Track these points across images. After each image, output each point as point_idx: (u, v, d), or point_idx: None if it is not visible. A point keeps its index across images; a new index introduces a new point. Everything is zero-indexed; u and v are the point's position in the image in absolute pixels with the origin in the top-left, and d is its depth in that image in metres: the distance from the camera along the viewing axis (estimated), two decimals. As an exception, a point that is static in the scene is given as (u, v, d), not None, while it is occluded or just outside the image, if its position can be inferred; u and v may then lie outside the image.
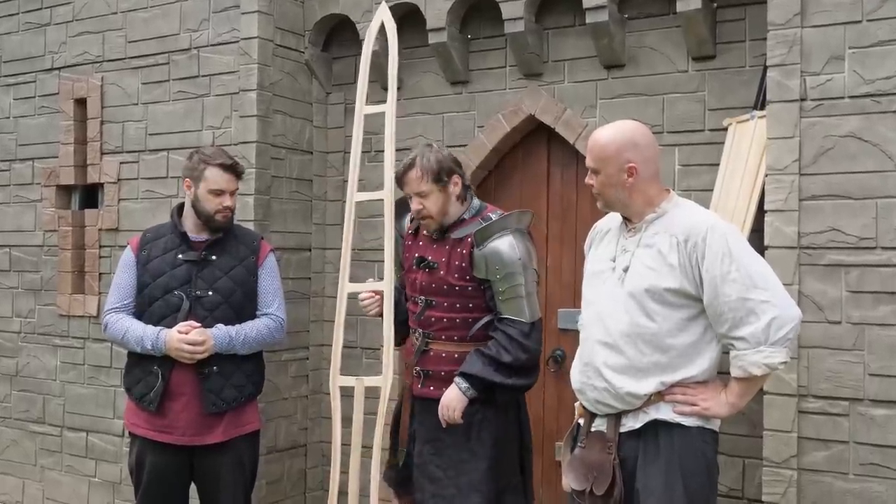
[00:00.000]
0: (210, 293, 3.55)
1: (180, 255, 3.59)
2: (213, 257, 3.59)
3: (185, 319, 3.50)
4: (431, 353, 3.33)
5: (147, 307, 3.59)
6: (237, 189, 3.67)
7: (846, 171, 3.20)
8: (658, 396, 2.68)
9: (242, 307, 3.61)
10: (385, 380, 3.28)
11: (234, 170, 3.62)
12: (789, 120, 3.29)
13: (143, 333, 3.50)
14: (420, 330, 3.36)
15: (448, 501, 3.25)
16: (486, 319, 3.28)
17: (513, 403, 3.38)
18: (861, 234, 3.17)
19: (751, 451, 3.62)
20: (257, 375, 3.71)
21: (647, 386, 2.67)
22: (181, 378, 3.51)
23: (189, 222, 3.65)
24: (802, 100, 3.28)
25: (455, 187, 3.34)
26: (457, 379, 3.20)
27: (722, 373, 2.75)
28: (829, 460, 3.19)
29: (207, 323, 3.51)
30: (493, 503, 3.24)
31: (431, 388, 3.31)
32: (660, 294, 2.66)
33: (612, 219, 2.95)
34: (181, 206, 3.71)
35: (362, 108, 3.51)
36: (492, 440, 3.27)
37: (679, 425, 2.67)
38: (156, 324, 3.53)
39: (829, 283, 3.21)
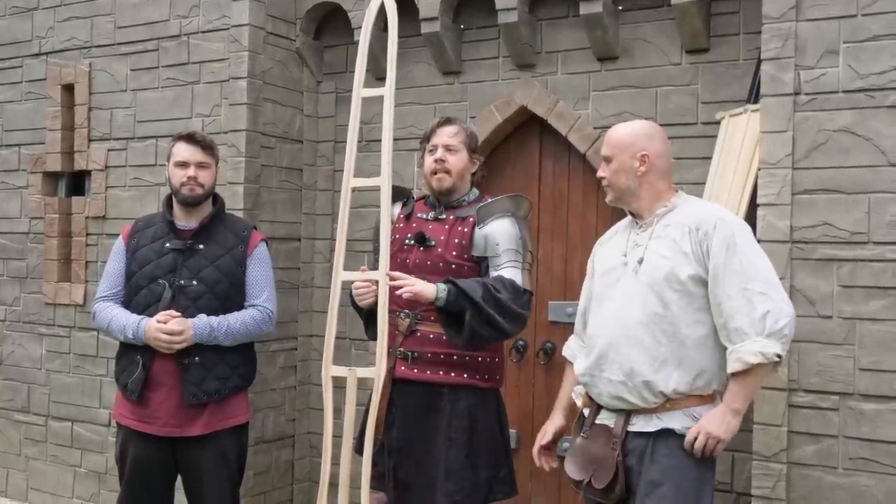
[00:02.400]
0: (194, 282, 3.52)
1: (167, 244, 3.56)
2: (200, 246, 3.56)
3: (167, 308, 3.46)
4: (419, 335, 3.30)
5: (133, 296, 3.56)
6: (206, 163, 3.59)
7: (839, 166, 3.20)
8: (672, 403, 2.70)
9: (228, 297, 3.57)
10: (378, 371, 3.24)
11: (194, 139, 3.59)
12: (783, 114, 3.28)
13: (126, 322, 3.48)
14: (407, 311, 3.32)
15: (425, 488, 3.23)
16: None
17: (492, 394, 3.37)
18: (853, 229, 3.17)
19: (740, 445, 3.61)
20: (245, 367, 3.66)
21: (664, 380, 2.68)
22: (162, 368, 3.47)
23: (177, 210, 3.62)
24: (796, 94, 3.27)
25: (474, 165, 3.44)
26: (439, 283, 3.12)
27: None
28: (818, 454, 3.20)
29: (190, 313, 3.47)
30: (468, 492, 3.21)
31: (415, 370, 3.28)
32: (676, 281, 2.70)
33: (616, 227, 3.03)
34: (171, 195, 3.68)
35: (360, 91, 3.43)
36: (470, 429, 3.24)
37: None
38: (140, 313, 3.49)
39: (821, 277, 3.21)
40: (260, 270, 3.67)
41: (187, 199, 3.56)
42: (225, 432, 3.56)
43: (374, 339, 3.30)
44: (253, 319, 3.59)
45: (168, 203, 3.66)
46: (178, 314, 3.44)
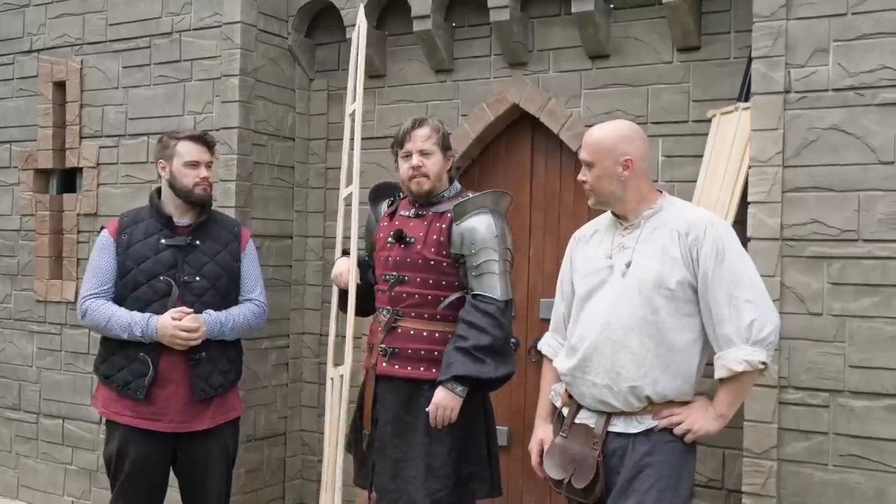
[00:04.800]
0: (197, 279, 3.52)
1: (163, 240, 3.53)
2: (198, 242, 3.56)
3: (174, 305, 3.46)
4: (399, 331, 3.28)
5: (130, 293, 3.51)
6: (212, 162, 3.63)
7: (829, 164, 3.21)
8: (653, 408, 2.70)
9: (227, 292, 3.60)
10: (345, 367, 3.40)
11: (204, 140, 3.61)
12: (773, 112, 3.29)
13: (131, 320, 3.43)
14: (388, 307, 3.32)
15: (407, 483, 3.21)
16: (454, 296, 3.24)
17: (476, 393, 3.31)
18: (843, 227, 3.18)
19: (731, 442, 3.63)
20: (239, 361, 3.70)
21: (650, 385, 2.68)
22: (169, 364, 3.46)
23: (170, 206, 3.60)
24: (787, 92, 3.29)
25: (449, 161, 3.39)
26: (448, 384, 3.12)
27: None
28: (809, 451, 3.21)
29: (196, 309, 3.48)
30: (451, 489, 3.19)
31: (396, 366, 3.26)
32: (665, 287, 2.68)
33: (595, 223, 2.98)
34: (159, 191, 3.66)
35: (352, 110, 3.67)
36: (454, 425, 3.20)
37: (670, 437, 2.69)
38: (141, 310, 3.46)
39: (811, 274, 3.22)
40: (253, 265, 3.71)
41: (203, 199, 3.58)
42: (226, 425, 3.61)
43: (345, 311, 3.45)
44: (252, 314, 3.64)
45: (158, 198, 3.65)
46: (191, 311, 3.45)
